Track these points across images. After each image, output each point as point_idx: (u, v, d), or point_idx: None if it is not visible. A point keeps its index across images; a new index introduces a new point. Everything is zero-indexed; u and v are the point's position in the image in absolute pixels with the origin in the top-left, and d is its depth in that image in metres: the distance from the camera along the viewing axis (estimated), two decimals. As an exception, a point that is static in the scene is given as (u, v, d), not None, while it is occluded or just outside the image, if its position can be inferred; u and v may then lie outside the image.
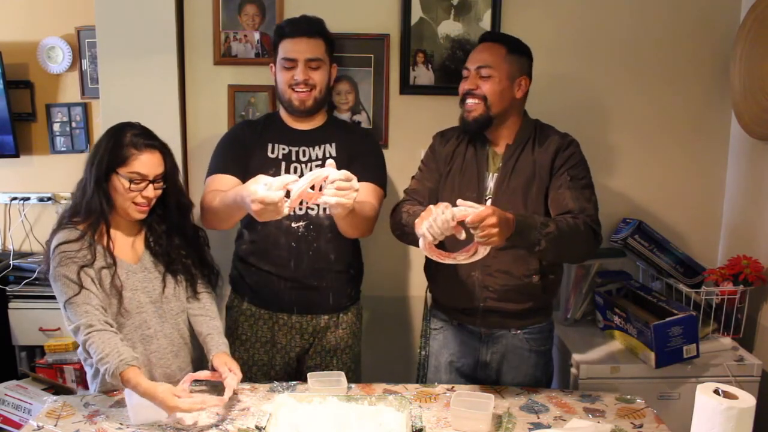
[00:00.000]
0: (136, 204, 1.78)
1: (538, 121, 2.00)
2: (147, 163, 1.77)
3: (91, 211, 1.76)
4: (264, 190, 1.64)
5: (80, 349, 1.86)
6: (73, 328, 1.70)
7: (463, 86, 1.94)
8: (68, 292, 1.70)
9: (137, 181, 1.76)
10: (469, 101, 1.91)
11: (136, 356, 1.67)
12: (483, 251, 1.67)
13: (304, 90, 2.02)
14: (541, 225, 1.71)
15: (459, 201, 1.66)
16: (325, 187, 1.66)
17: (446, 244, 1.75)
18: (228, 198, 1.83)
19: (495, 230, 1.59)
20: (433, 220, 1.61)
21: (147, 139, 1.79)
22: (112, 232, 1.80)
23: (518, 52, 1.93)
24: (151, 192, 1.79)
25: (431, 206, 1.65)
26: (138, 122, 1.83)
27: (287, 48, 2.02)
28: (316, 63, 2.02)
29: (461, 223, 1.63)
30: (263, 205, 1.64)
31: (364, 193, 1.97)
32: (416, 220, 1.68)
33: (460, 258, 1.69)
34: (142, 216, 1.82)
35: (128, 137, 1.77)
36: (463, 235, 1.63)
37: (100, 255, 1.76)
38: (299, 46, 2.01)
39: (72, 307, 1.69)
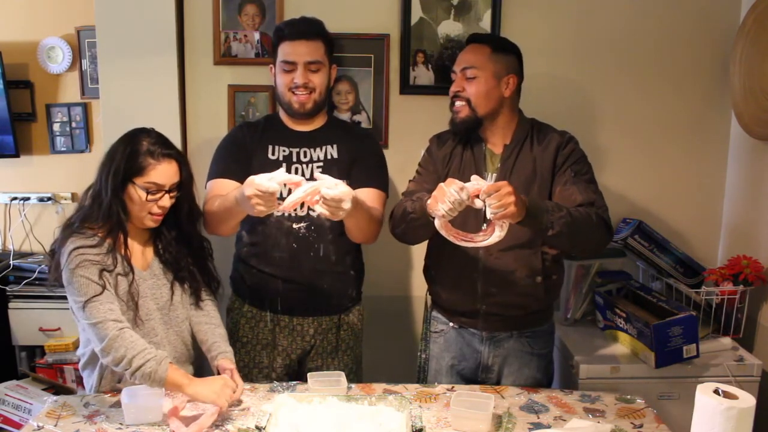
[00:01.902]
0: (151, 213, 1.78)
1: (535, 119, 1.99)
2: (164, 173, 1.75)
3: (108, 220, 1.74)
4: (260, 178, 1.65)
5: (80, 351, 1.87)
6: (95, 323, 1.66)
7: (451, 88, 1.95)
8: (89, 291, 1.68)
9: (154, 191, 1.75)
10: (456, 103, 1.93)
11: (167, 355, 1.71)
12: (499, 232, 1.65)
13: (304, 93, 2.01)
14: (553, 208, 1.71)
15: (474, 177, 1.65)
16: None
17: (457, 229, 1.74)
18: (229, 198, 1.83)
19: (512, 198, 1.58)
20: (451, 202, 1.61)
21: (164, 147, 1.77)
22: (128, 240, 1.79)
23: (504, 51, 1.92)
24: (167, 201, 1.78)
25: (441, 184, 1.64)
26: (152, 128, 1.82)
27: (286, 51, 2.01)
28: (315, 66, 2.01)
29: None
30: (259, 192, 1.64)
31: (368, 198, 1.98)
32: (429, 201, 1.67)
33: (478, 239, 1.68)
34: (156, 224, 1.82)
35: (145, 146, 1.75)
36: (480, 204, 1.62)
37: (118, 263, 1.75)
38: (299, 48, 2.00)
39: (95, 305, 1.67)
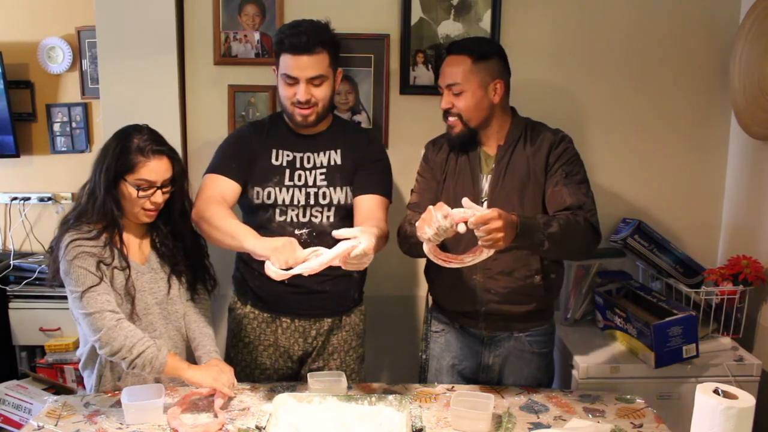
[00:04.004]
0: (144, 209, 1.78)
1: (529, 119, 1.98)
2: (155, 169, 1.76)
3: (103, 216, 1.76)
4: (275, 271, 1.65)
5: (80, 351, 1.88)
6: (91, 313, 1.68)
7: (441, 104, 1.93)
8: (87, 282, 1.70)
9: (145, 188, 1.76)
10: (449, 118, 1.92)
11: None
12: (487, 253, 1.65)
13: (306, 107, 1.96)
14: (544, 225, 1.70)
15: (464, 200, 1.63)
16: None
17: (447, 244, 1.74)
18: (241, 239, 1.79)
19: (500, 234, 1.57)
20: (437, 227, 1.59)
21: (155, 144, 1.77)
22: (123, 235, 1.80)
23: (485, 58, 1.88)
24: (160, 197, 1.79)
25: (430, 207, 1.63)
26: (146, 125, 1.82)
27: (288, 65, 1.94)
28: (318, 80, 1.94)
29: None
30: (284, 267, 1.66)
31: (371, 206, 1.97)
32: (417, 223, 1.66)
33: (467, 260, 1.67)
34: (151, 220, 1.83)
35: (135, 143, 1.75)
36: (463, 228, 1.60)
37: (115, 257, 1.77)
38: (300, 63, 1.92)
39: (92, 296, 1.69)
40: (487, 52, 1.90)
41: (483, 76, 1.87)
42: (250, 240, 1.76)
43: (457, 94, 1.87)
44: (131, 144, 1.75)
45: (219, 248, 2.02)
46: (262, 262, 2.04)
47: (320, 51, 1.93)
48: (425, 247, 1.67)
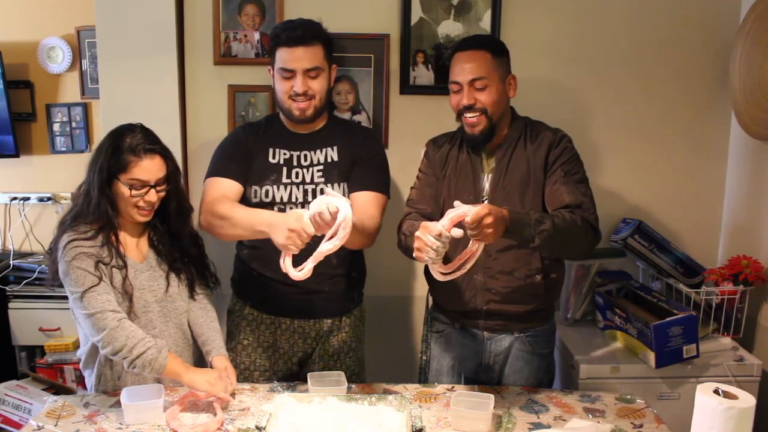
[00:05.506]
0: (138, 208, 1.79)
1: (528, 118, 1.98)
2: (147, 169, 1.76)
3: (98, 216, 1.76)
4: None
5: (81, 351, 1.88)
6: (93, 314, 1.69)
7: (459, 101, 1.88)
8: (86, 282, 1.70)
9: (138, 187, 1.76)
10: (470, 116, 1.87)
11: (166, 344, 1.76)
12: (479, 244, 1.66)
13: (304, 100, 1.98)
14: (535, 222, 1.69)
15: (456, 203, 1.64)
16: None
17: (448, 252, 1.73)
18: (259, 220, 1.82)
19: (490, 230, 1.58)
20: (435, 249, 1.59)
21: (147, 143, 1.77)
22: (120, 234, 1.81)
23: (501, 53, 1.90)
24: (154, 196, 1.79)
25: (417, 234, 1.62)
26: (140, 124, 1.82)
27: (284, 58, 1.97)
28: (314, 72, 1.97)
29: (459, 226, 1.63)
30: (303, 233, 1.69)
31: (365, 202, 1.96)
32: (415, 254, 1.65)
33: (474, 248, 1.67)
34: (146, 219, 1.83)
35: (128, 142, 1.76)
36: (458, 233, 1.61)
37: (114, 256, 1.77)
38: (296, 55, 1.95)
39: (92, 296, 1.70)
40: (501, 48, 1.93)
41: (501, 70, 1.89)
42: (264, 220, 1.80)
43: (481, 88, 1.85)
44: (123, 144, 1.76)
45: (217, 250, 2.02)
46: (262, 263, 2.05)
47: (315, 43, 1.97)
48: (435, 273, 1.70)
